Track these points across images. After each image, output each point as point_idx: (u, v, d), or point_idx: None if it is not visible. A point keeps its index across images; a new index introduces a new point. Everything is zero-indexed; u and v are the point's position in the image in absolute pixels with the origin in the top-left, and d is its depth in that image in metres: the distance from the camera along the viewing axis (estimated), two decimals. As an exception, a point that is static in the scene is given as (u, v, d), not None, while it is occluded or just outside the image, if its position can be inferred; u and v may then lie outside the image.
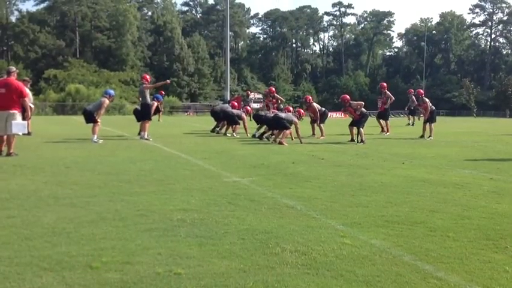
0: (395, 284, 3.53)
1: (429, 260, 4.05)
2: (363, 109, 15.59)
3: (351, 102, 15.67)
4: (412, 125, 26.40)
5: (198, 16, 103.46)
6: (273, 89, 20.54)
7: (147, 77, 16.14)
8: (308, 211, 5.72)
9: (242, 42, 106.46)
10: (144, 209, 5.64)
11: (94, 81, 64.20)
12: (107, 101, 14.48)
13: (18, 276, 3.54)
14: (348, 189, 7.14)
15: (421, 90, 18.17)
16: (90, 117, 14.36)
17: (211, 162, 10.03)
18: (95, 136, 13.94)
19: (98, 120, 14.31)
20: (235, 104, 19.31)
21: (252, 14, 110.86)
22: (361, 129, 15.15)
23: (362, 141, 14.88)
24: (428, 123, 17.15)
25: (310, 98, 17.95)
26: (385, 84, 20.72)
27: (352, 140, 15.43)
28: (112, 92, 15.22)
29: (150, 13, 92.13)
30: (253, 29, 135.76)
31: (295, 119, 14.90)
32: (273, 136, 15.22)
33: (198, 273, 3.66)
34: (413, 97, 25.77)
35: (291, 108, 16.82)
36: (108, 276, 3.57)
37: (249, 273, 3.67)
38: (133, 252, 4.12)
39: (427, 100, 17.51)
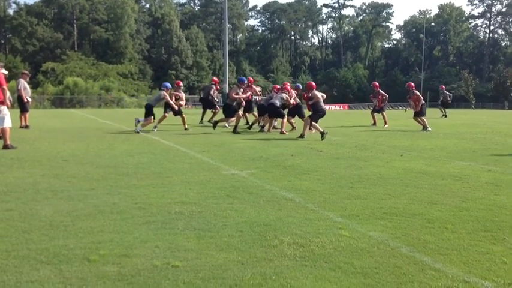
0: (393, 275, 3.53)
1: (427, 252, 4.04)
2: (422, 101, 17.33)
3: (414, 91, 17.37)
4: (446, 116, 29.36)
5: (196, 9, 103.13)
6: (251, 79, 20.62)
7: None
8: (306, 203, 5.71)
9: (241, 34, 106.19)
10: (142, 202, 5.63)
11: (92, 74, 64.05)
12: (164, 93, 15.54)
13: (16, 269, 3.53)
14: (346, 182, 7.14)
15: (412, 83, 18.03)
16: (150, 111, 15.38)
17: (210, 155, 10.02)
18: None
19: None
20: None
21: (250, 6, 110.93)
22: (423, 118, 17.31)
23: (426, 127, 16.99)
24: (419, 116, 17.40)
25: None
26: (377, 83, 20.97)
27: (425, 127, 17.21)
28: (168, 84, 16.35)
29: (148, 6, 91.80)
30: (252, 22, 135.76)
31: (290, 100, 15.62)
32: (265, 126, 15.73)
33: (196, 266, 3.65)
34: (445, 92, 29.87)
35: (288, 86, 17.02)
36: (106, 269, 3.57)
37: (247, 266, 3.67)
38: (131, 245, 4.11)
39: (417, 93, 17.62)
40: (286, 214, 5.19)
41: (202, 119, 20.63)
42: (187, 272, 3.54)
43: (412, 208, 5.55)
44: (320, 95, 14.29)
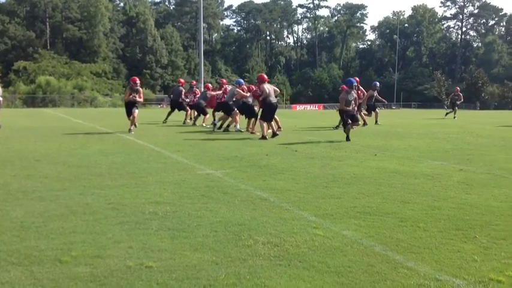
0: (366, 274, 3.57)
1: (400, 250, 4.10)
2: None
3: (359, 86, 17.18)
4: (454, 117, 28.35)
5: (171, 8, 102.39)
6: (224, 80, 20.76)
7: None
8: (281, 203, 5.73)
9: (216, 34, 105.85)
10: (115, 202, 5.57)
11: (65, 73, 63.08)
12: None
13: (-15, 272, 3.46)
14: (320, 181, 7.18)
15: (357, 78, 17.27)
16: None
17: (185, 154, 9.97)
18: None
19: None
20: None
21: (225, 5, 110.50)
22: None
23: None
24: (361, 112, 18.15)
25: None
26: (357, 79, 20.84)
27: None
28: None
29: (122, 4, 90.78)
30: (227, 21, 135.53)
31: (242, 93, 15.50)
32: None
33: (169, 266, 3.64)
34: (460, 94, 29.31)
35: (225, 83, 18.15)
36: (78, 271, 3.52)
37: (221, 266, 3.66)
38: (104, 246, 4.07)
39: (361, 88, 18.16)
40: (261, 214, 5.20)
41: (166, 118, 20.54)
42: (161, 272, 3.52)
43: (385, 207, 5.61)
44: (272, 89, 13.91)
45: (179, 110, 20.71)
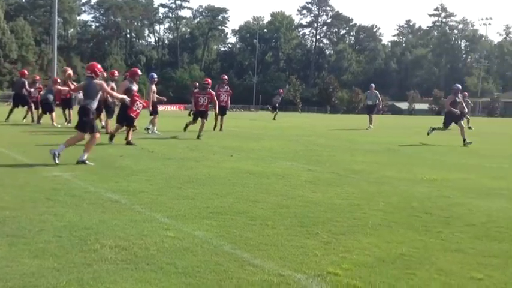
0: (214, 273, 3.61)
1: (247, 248, 4.21)
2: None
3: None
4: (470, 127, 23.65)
5: (23, 0, 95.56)
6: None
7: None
8: (133, 205, 5.60)
9: (72, 29, 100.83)
10: None
11: None
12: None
13: None
14: (175, 182, 7.14)
15: (209, 80, 16.94)
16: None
17: (30, 155, 9.35)
18: None
19: None
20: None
21: (83, 0, 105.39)
22: None
23: None
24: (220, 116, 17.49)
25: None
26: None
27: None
28: (154, 75, 16.41)
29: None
30: (85, 17, 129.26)
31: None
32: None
33: (5, 275, 3.38)
34: (468, 100, 25.09)
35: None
36: None
37: (63, 272, 3.47)
38: None
39: (212, 92, 17.73)
40: (111, 217, 5.03)
41: (8, 116, 18.83)
42: (-7, 282, 3.25)
43: (237, 207, 5.73)
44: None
45: (23, 106, 19.11)
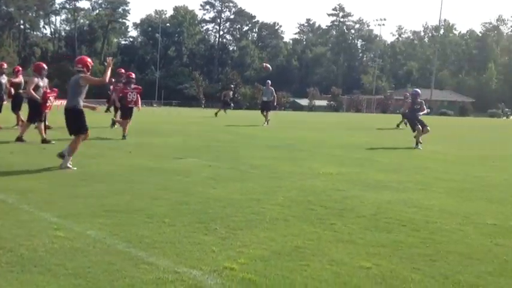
0: (106, 273, 3.49)
1: (143, 247, 4.12)
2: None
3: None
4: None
5: None
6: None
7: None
8: (21, 204, 5.29)
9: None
10: None
11: None
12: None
13: None
14: (69, 180, 6.85)
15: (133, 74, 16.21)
16: None
17: None
18: None
19: None
20: None
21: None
22: None
23: None
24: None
25: None
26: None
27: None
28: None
29: None
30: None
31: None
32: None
33: None
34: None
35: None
36: None
37: None
38: None
39: (140, 87, 17.24)
40: (-5, 217, 4.72)
41: None
42: None
43: (134, 204, 5.60)
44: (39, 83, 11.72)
45: None
